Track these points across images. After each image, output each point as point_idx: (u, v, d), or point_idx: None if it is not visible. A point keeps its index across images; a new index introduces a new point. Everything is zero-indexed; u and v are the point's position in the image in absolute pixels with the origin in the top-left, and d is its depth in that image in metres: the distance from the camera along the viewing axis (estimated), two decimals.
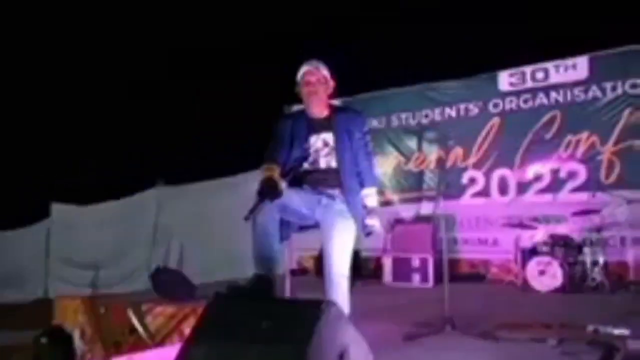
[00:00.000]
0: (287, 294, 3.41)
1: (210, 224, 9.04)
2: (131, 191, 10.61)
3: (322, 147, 2.83)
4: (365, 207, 2.85)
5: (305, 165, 2.84)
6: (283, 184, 2.58)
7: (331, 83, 2.92)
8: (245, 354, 1.76)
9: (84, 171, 13.23)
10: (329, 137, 2.83)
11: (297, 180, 2.81)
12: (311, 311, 1.84)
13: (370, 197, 2.88)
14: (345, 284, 2.61)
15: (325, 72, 2.89)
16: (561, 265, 5.92)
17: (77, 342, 5.14)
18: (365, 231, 2.83)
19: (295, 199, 2.67)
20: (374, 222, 2.84)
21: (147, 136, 12.93)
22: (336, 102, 3.03)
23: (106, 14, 12.06)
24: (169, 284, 5.03)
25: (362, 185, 2.87)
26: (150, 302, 4.76)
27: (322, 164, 2.83)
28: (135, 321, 4.68)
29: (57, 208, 11.48)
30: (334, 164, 2.80)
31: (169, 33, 12.10)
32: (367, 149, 2.92)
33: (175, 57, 12.36)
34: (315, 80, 2.84)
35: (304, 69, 2.87)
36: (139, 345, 4.52)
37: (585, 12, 8.17)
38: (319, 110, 2.89)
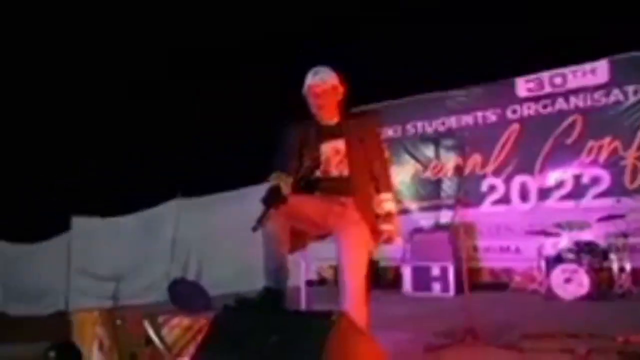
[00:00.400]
0: (303, 305, 3.34)
1: (228, 236, 9.01)
2: (150, 204, 10.67)
3: (333, 155, 2.76)
4: (380, 213, 2.76)
5: (317, 174, 2.77)
6: (287, 190, 2.50)
7: (340, 89, 2.84)
8: None
9: (103, 184, 13.35)
10: (340, 144, 2.76)
11: (309, 188, 2.74)
12: (321, 323, 1.77)
13: (386, 202, 2.78)
14: (360, 295, 2.50)
15: (333, 80, 2.81)
16: (587, 273, 5.77)
17: (96, 354, 5.14)
18: (383, 238, 2.74)
19: (307, 208, 2.60)
20: (390, 228, 2.75)
21: (165, 149, 13.01)
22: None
23: (126, 22, 12.19)
24: (185, 295, 5.00)
25: (377, 190, 2.79)
26: (167, 313, 4.71)
27: (334, 172, 2.75)
28: (151, 333, 4.63)
29: (77, 221, 11.59)
30: (346, 172, 2.73)
31: (190, 44, 12.19)
32: (381, 153, 2.85)
33: (192, 68, 12.45)
34: (321, 92, 2.77)
35: (308, 81, 2.80)
36: (156, 356, 4.48)
37: (602, 14, 8.00)
38: (329, 117, 2.82)
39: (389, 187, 2.84)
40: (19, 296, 11.97)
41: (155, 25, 11.93)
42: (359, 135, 2.77)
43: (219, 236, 9.23)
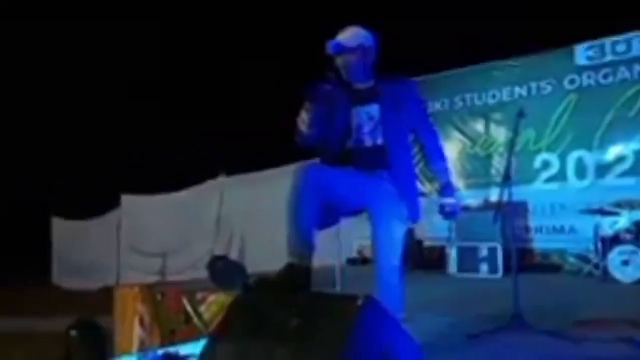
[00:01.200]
0: (338, 285, 3.19)
1: (270, 213, 8.96)
2: (196, 182, 10.77)
3: (366, 120, 2.51)
4: (438, 187, 2.55)
5: (349, 144, 2.53)
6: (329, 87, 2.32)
7: (371, 50, 2.58)
8: (273, 355, 1.55)
9: (151, 163, 13.62)
10: (373, 109, 2.50)
11: (342, 160, 2.50)
12: (348, 307, 1.59)
13: (443, 172, 2.53)
14: (395, 277, 2.30)
15: (359, 40, 2.55)
16: None
17: (137, 329, 5.21)
18: (445, 211, 2.50)
19: (340, 183, 2.37)
20: (451, 201, 2.50)
21: (210, 127, 13.10)
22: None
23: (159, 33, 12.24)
24: (224, 272, 4.95)
25: (428, 161, 2.56)
26: (204, 290, 4.70)
27: (367, 141, 2.51)
28: (190, 309, 4.64)
29: (126, 199, 11.87)
30: (380, 140, 2.48)
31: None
32: (426, 119, 2.58)
33: (231, 50, 12.38)
34: (347, 51, 2.51)
35: (333, 41, 2.53)
36: (194, 333, 4.47)
37: None
38: (360, 80, 2.57)
39: (442, 155, 2.56)
40: (72, 270, 12.46)
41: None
42: (396, 99, 2.50)
43: (261, 214, 9.20)
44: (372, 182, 2.44)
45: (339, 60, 2.54)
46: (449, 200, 2.51)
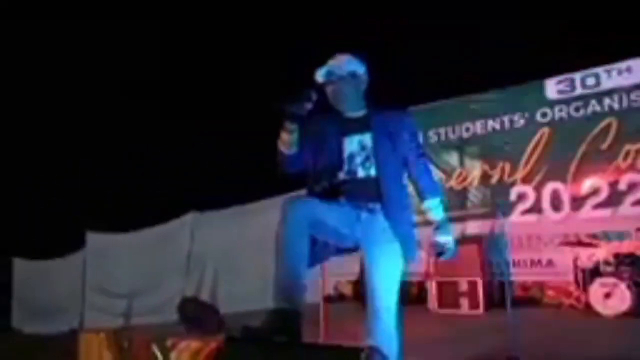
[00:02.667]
0: (322, 325, 2.99)
1: (243, 251, 8.74)
2: (165, 219, 10.44)
3: (358, 151, 2.36)
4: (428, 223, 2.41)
5: (341, 175, 2.36)
6: (310, 106, 2.19)
7: (363, 78, 2.47)
8: None
9: (118, 200, 13.23)
10: (366, 138, 2.36)
11: (333, 193, 2.33)
12: None
13: (435, 209, 2.39)
14: (392, 319, 2.12)
15: (351, 66, 2.44)
16: (628, 287, 5.35)
17: None
18: (438, 251, 2.36)
19: (331, 216, 2.20)
20: (447, 239, 2.35)
21: (179, 163, 12.86)
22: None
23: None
24: (196, 316, 4.68)
25: (420, 195, 2.41)
26: (175, 336, 4.40)
27: (360, 172, 2.35)
28: (159, 356, 4.33)
29: (92, 237, 11.43)
30: (373, 170, 2.33)
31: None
32: (421, 151, 2.45)
33: (205, 79, 12.28)
34: (337, 79, 2.40)
35: (323, 68, 2.42)
36: None
37: (637, 9, 7.56)
38: (351, 109, 2.44)
39: (435, 190, 2.43)
40: (34, 313, 11.84)
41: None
42: (389, 129, 2.37)
43: (234, 251, 8.95)
44: (364, 217, 2.29)
45: (330, 89, 2.41)
46: (442, 239, 2.36)
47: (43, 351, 7.74)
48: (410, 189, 2.47)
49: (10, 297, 12.95)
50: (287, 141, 2.31)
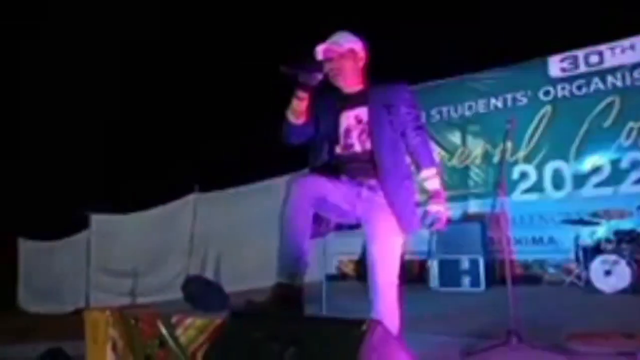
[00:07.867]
0: (324, 303, 3.04)
1: (245, 230, 8.79)
2: (168, 199, 10.49)
3: (354, 124, 2.38)
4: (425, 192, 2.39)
5: (338, 150, 2.39)
6: (320, 76, 2.23)
7: (361, 54, 2.49)
8: None
9: (121, 181, 13.26)
10: (362, 111, 2.37)
11: (331, 168, 2.36)
12: (352, 332, 1.44)
13: (430, 179, 2.37)
14: (393, 293, 2.16)
15: (349, 44, 2.46)
16: (629, 264, 5.41)
17: (109, 355, 4.93)
18: (429, 222, 2.33)
19: (334, 193, 2.21)
20: (439, 208, 2.33)
21: (183, 142, 12.85)
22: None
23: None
24: (200, 294, 4.74)
25: (417, 166, 2.40)
26: (180, 313, 4.46)
27: (357, 146, 2.37)
28: (165, 333, 4.39)
29: (96, 218, 11.47)
30: (369, 145, 2.33)
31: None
32: (418, 123, 2.42)
33: (210, 62, 12.20)
34: (337, 56, 2.41)
35: (322, 45, 2.42)
36: (170, 358, 4.24)
37: None
38: (350, 84, 2.46)
39: (431, 161, 2.42)
40: (39, 294, 11.95)
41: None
42: (387, 103, 2.37)
43: (237, 230, 9.01)
44: (365, 194, 2.31)
45: (329, 66, 2.41)
46: (434, 208, 2.34)
47: (49, 329, 7.86)
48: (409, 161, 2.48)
49: (16, 278, 13.06)
50: (297, 109, 2.34)
